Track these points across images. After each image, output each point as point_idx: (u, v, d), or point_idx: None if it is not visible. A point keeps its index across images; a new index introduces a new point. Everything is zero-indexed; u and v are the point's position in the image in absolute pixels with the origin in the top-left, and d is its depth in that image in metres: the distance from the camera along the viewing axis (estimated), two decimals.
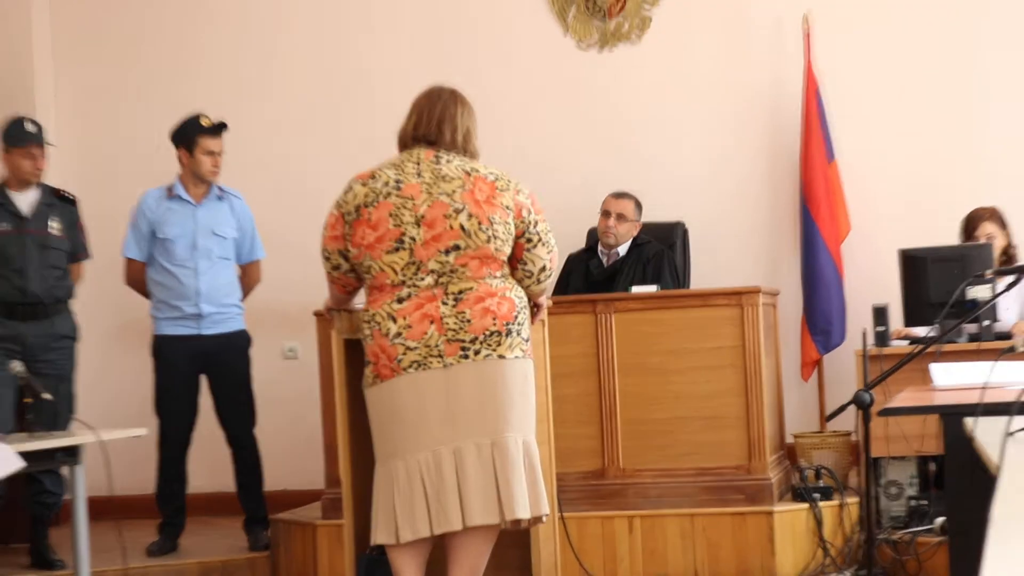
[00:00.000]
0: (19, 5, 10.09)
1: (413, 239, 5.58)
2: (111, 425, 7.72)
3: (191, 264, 8.13)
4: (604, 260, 8.71)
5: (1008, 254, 8.21)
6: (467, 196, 5.61)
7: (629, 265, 8.62)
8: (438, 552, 5.83)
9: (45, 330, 7.92)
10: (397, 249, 5.60)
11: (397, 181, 5.66)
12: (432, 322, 5.56)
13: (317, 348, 7.90)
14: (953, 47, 9.17)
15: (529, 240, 5.74)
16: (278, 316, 8.91)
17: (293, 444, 8.71)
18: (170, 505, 8.27)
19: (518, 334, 5.68)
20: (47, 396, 7.34)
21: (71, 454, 7.33)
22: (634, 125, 9.48)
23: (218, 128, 8.18)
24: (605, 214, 8.73)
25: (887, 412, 6.15)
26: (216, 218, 8.24)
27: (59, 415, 7.70)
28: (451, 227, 5.57)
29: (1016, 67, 9.11)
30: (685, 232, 9.05)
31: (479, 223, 5.58)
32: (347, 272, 5.84)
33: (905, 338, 8.02)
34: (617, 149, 9.37)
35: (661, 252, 8.73)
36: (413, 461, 5.61)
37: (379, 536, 5.69)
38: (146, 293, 8.32)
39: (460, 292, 5.60)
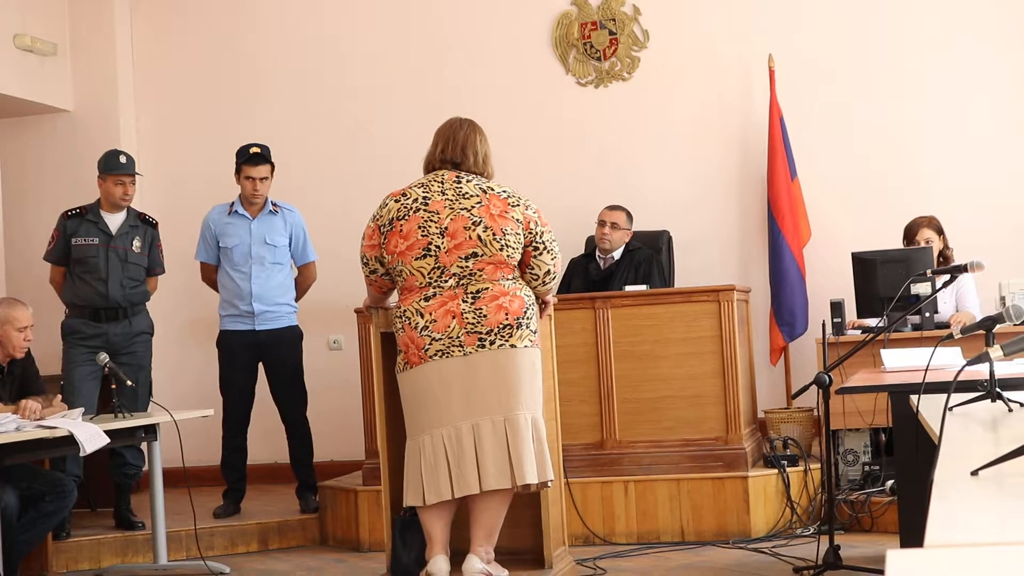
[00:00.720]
0: (106, 53, 10.07)
1: (438, 247, 5.63)
2: (183, 407, 7.76)
3: (245, 269, 8.17)
4: (601, 263, 8.68)
5: (944, 255, 8.20)
6: (484, 211, 5.66)
7: (622, 267, 8.59)
8: (462, 513, 5.82)
9: (125, 329, 7.96)
10: (424, 256, 5.65)
11: (424, 198, 5.71)
12: (454, 317, 5.62)
13: (358, 340, 7.88)
14: (894, 82, 9.14)
15: (536, 248, 5.77)
16: (325, 313, 8.89)
17: (338, 422, 8.69)
18: (233, 474, 8.29)
19: (527, 327, 5.71)
20: (129, 383, 7.40)
21: (149, 432, 7.42)
22: (626, 149, 9.45)
23: (255, 158, 8.17)
24: (601, 224, 8.70)
25: (844, 391, 6.14)
26: (269, 229, 8.24)
27: (139, 399, 7.73)
28: (470, 237, 5.62)
29: (945, 100, 9.06)
30: (670, 239, 9.01)
31: (494, 234, 5.63)
32: (382, 275, 5.89)
33: (858, 328, 8.00)
34: (611, 169, 9.36)
35: (650, 256, 8.70)
36: (438, 435, 5.65)
37: (409, 499, 5.74)
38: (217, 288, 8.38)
39: (477, 292, 5.64)
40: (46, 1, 9.87)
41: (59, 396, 7.16)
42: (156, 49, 10.23)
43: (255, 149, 8.22)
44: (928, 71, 9.11)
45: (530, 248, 5.76)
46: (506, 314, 5.63)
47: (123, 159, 7.99)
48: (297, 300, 8.43)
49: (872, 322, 7.80)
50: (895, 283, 7.71)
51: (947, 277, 7.34)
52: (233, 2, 10.08)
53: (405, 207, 5.71)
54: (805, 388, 6.72)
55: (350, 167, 9.47)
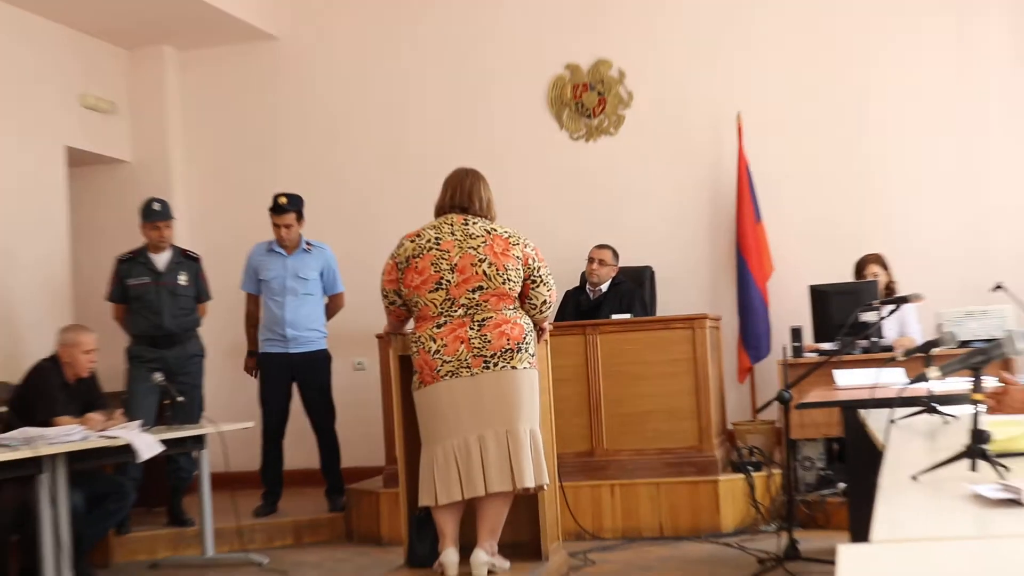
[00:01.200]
0: (158, 111, 10.11)
1: (448, 282, 5.67)
2: (228, 419, 7.74)
3: (280, 299, 8.17)
4: (591, 295, 8.67)
5: (890, 288, 8.19)
6: (488, 250, 5.69)
7: (609, 299, 8.58)
8: (469, 512, 5.83)
9: (179, 352, 7.98)
10: (437, 289, 5.69)
11: (437, 238, 5.74)
12: (462, 342, 5.65)
13: (379, 362, 7.85)
14: (849, 137, 9.14)
15: (534, 282, 5.82)
16: (351, 338, 8.86)
17: (361, 432, 8.65)
18: (271, 478, 8.27)
19: (526, 351, 5.75)
20: (180, 399, 7.45)
21: (198, 441, 7.44)
22: (613, 195, 9.46)
23: (279, 208, 8.20)
24: (590, 260, 8.70)
25: (802, 406, 6.14)
26: (301, 265, 8.23)
27: (192, 412, 7.75)
28: (476, 272, 5.66)
29: (892, 153, 9.08)
30: (652, 273, 9.01)
31: (497, 270, 5.68)
32: (400, 306, 5.92)
33: (814, 351, 7.98)
34: (600, 213, 9.35)
35: (633, 289, 8.71)
36: (449, 445, 5.68)
37: (424, 499, 5.76)
38: (255, 319, 8.38)
39: (483, 320, 5.67)
40: (107, 64, 9.91)
41: (121, 410, 7.16)
42: (202, 106, 10.25)
43: (282, 200, 8.23)
44: (878, 128, 9.12)
45: (528, 281, 5.80)
46: (508, 339, 5.67)
47: (156, 206, 8.03)
48: (328, 321, 8.43)
49: (827, 346, 7.79)
50: (846, 312, 7.75)
51: (892, 307, 7.39)
52: (266, 68, 10.10)
53: (420, 246, 5.75)
54: (768, 403, 6.74)
55: (373, 211, 9.47)
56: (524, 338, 5.73)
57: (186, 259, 8.16)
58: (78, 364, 7.15)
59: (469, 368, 5.64)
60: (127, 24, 9.52)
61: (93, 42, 9.75)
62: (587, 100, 9.67)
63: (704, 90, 9.41)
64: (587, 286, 8.72)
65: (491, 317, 5.67)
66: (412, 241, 5.80)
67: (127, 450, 6.53)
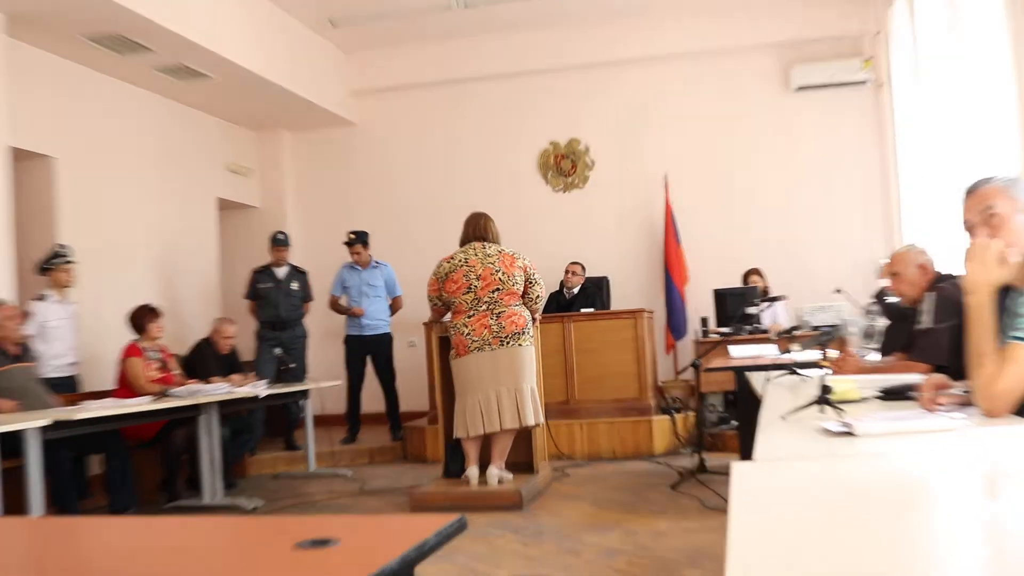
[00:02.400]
0: (278, 172, 10.15)
1: (475, 287, 5.73)
2: (324, 378, 7.73)
3: (358, 299, 8.19)
4: (567, 295, 8.64)
5: (765, 291, 8.19)
6: (501, 263, 5.77)
7: (579, 298, 8.56)
8: (484, 445, 5.83)
9: (291, 334, 8.03)
10: (468, 292, 5.75)
11: (464, 259, 5.81)
12: (485, 328, 5.71)
13: (424, 341, 7.82)
14: (736, 186, 9.16)
15: (531, 283, 5.88)
16: (406, 324, 8.84)
17: (413, 388, 8.64)
18: (352, 418, 8.24)
19: (527, 333, 5.81)
20: (292, 365, 7.48)
21: (303, 393, 7.43)
22: (582, 229, 9.46)
23: (351, 242, 8.24)
24: (567, 272, 8.68)
25: (708, 370, 6.13)
26: (371, 277, 8.25)
27: (299, 374, 7.77)
28: (494, 279, 5.74)
29: (767, 197, 9.09)
30: (608, 281, 9.01)
31: (507, 276, 5.75)
32: (440, 305, 5.97)
33: (716, 333, 7.98)
34: (573, 240, 9.31)
35: (596, 291, 8.68)
36: (474, 398, 5.72)
37: (458, 433, 5.81)
38: (337, 310, 8.37)
39: (500, 312, 5.72)
40: (244, 142, 9.93)
41: (252, 373, 7.19)
42: (307, 169, 10.25)
43: (351, 235, 8.28)
44: (757, 181, 9.14)
45: (527, 283, 5.85)
46: (515, 326, 5.72)
47: (280, 236, 8.12)
48: (391, 316, 8.42)
49: (724, 330, 7.82)
50: (737, 308, 7.81)
51: (767, 303, 7.39)
52: (349, 144, 10.08)
53: (453, 265, 5.81)
54: (685, 368, 6.77)
55: (420, 241, 9.41)
56: (526, 325, 5.80)
57: (297, 272, 8.19)
58: (221, 344, 7.22)
59: (490, 345, 5.69)
60: (257, 115, 9.53)
61: (235, 128, 9.77)
62: (564, 165, 9.65)
63: (642, 158, 9.40)
64: (564, 289, 8.70)
65: (504, 311, 5.71)
66: (448, 262, 5.85)
67: (256, 400, 6.58)
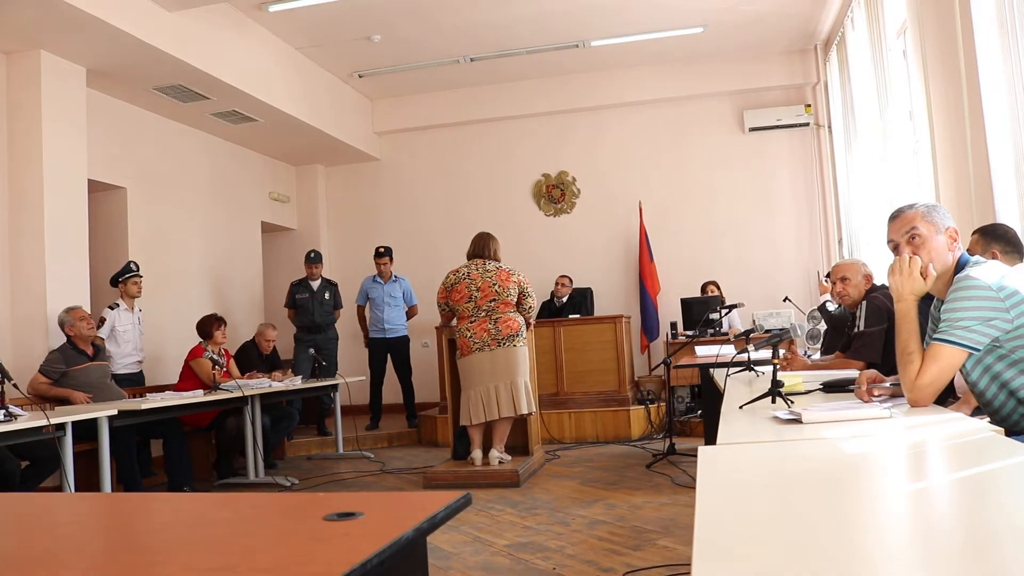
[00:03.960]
0: (313, 199, 10.12)
1: (475, 296, 5.68)
2: (351, 375, 7.69)
3: (381, 308, 8.11)
4: (557, 303, 8.64)
5: (722, 299, 8.18)
6: (497, 277, 5.70)
7: (568, 305, 8.55)
8: (486, 431, 5.80)
9: (324, 337, 7.94)
10: (468, 301, 5.69)
11: (467, 272, 5.76)
12: (485, 331, 5.66)
13: (436, 342, 7.80)
14: (697, 210, 9.16)
15: (524, 295, 5.80)
16: (421, 328, 8.86)
17: (426, 382, 8.64)
18: (375, 408, 8.19)
19: (521, 336, 5.73)
20: (324, 363, 7.39)
21: (334, 387, 7.35)
22: (569, 248, 9.44)
23: (380, 254, 8.18)
24: (557, 283, 8.68)
25: (677, 367, 6.12)
26: (392, 289, 8.17)
27: (331, 371, 7.67)
28: (492, 291, 5.67)
29: (722, 219, 9.09)
30: (592, 291, 8.99)
31: (504, 288, 5.68)
32: (447, 310, 5.89)
33: (684, 335, 7.97)
34: (562, 258, 9.32)
35: (581, 299, 8.68)
36: (477, 391, 5.67)
37: (463, 421, 5.76)
38: (364, 319, 8.29)
39: (497, 318, 5.66)
40: (284, 175, 9.91)
41: (290, 370, 7.17)
42: (338, 198, 10.22)
43: (381, 249, 8.22)
44: (715, 205, 9.15)
45: (521, 295, 5.77)
46: (510, 329, 5.65)
47: (312, 255, 8.03)
48: (407, 322, 8.37)
49: (690, 333, 7.80)
50: (701, 314, 7.78)
51: (726, 310, 7.37)
52: (374, 175, 10.08)
53: (458, 277, 5.76)
54: (658, 365, 6.74)
55: (432, 258, 9.40)
56: (519, 330, 5.71)
57: (329, 284, 8.11)
58: (263, 345, 7.19)
59: (489, 346, 5.63)
60: (296, 152, 9.52)
61: (277, 162, 9.76)
62: (554, 193, 9.63)
63: (620, 187, 9.40)
64: (554, 298, 8.69)
65: (501, 317, 5.66)
66: (454, 275, 5.80)
67: (294, 393, 6.53)
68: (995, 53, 4.21)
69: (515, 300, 5.76)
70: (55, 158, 6.09)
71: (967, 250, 3.28)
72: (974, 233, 3.36)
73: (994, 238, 3.22)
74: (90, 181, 6.56)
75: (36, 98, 6.02)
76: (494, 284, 5.68)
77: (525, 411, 5.69)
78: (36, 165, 6.01)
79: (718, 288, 8.48)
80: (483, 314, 5.68)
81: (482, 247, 5.87)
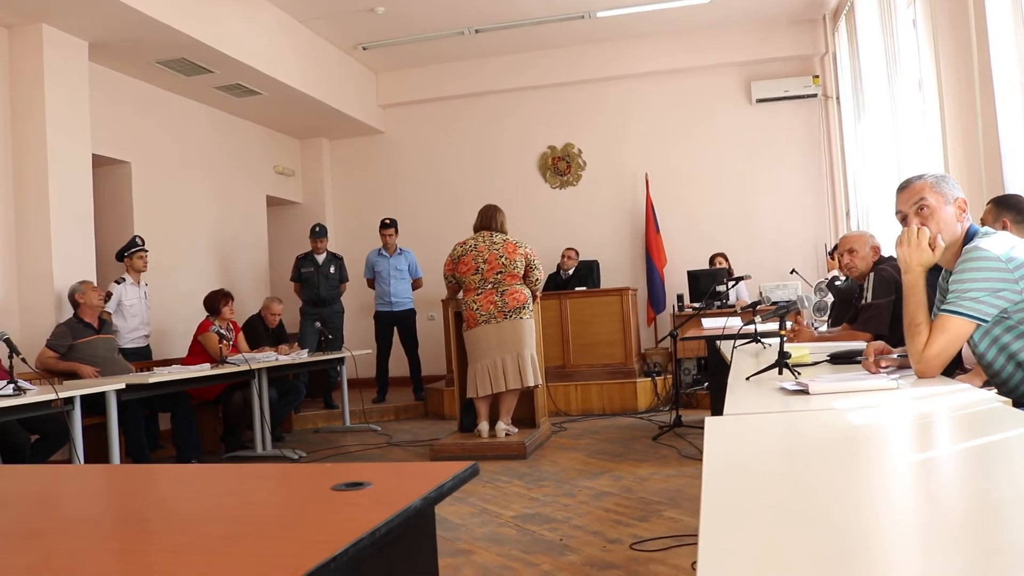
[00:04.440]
0: (318, 173, 10.09)
1: (482, 269, 5.66)
2: (357, 347, 7.70)
3: (387, 280, 8.09)
4: (563, 276, 8.63)
5: (730, 272, 8.17)
6: (504, 250, 5.68)
7: (574, 278, 8.54)
8: (493, 403, 5.82)
9: (330, 310, 7.93)
10: (476, 273, 5.67)
11: (474, 244, 5.73)
12: (492, 304, 5.64)
13: (442, 315, 7.79)
14: (708, 184, 9.13)
15: (531, 267, 5.78)
16: (427, 301, 8.86)
17: (433, 355, 8.67)
18: (382, 381, 8.19)
19: (527, 308, 5.72)
20: (330, 337, 7.38)
21: (341, 360, 7.36)
22: (575, 220, 9.41)
23: (386, 225, 8.16)
24: (563, 256, 8.67)
25: (684, 339, 6.12)
26: (398, 261, 8.15)
27: (337, 344, 7.65)
28: (499, 263, 5.65)
29: (730, 193, 9.06)
30: (598, 264, 8.95)
31: (510, 260, 5.66)
32: (454, 283, 5.87)
33: (691, 308, 7.96)
34: (569, 230, 9.30)
35: (588, 272, 8.65)
36: (484, 363, 5.67)
37: (469, 393, 5.77)
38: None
39: (504, 290, 5.65)
40: (289, 148, 9.87)
41: (296, 344, 7.19)
42: (342, 171, 10.19)
43: (387, 220, 8.19)
44: (726, 176, 9.10)
45: (528, 267, 5.75)
46: (517, 302, 5.65)
47: (318, 228, 7.99)
48: (412, 294, 8.34)
49: (697, 305, 7.78)
50: (708, 286, 7.77)
51: (733, 282, 7.36)
52: (378, 149, 10.03)
53: (465, 249, 5.73)
54: (664, 337, 6.74)
55: (437, 230, 9.37)
56: (526, 302, 5.71)
57: (334, 258, 8.09)
58: (269, 319, 7.20)
59: (496, 318, 5.62)
60: (300, 126, 9.48)
61: (281, 136, 9.72)
62: (560, 166, 9.59)
63: (626, 159, 9.36)
64: (561, 271, 8.68)
65: (507, 289, 5.65)
66: (461, 247, 5.77)
67: (300, 365, 6.55)
68: (1006, 21, 4.16)
69: (522, 272, 5.74)
70: (58, 133, 6.08)
71: (980, 220, 3.26)
72: (988, 203, 3.34)
73: (1006, 208, 3.20)
74: (94, 156, 6.54)
75: (38, 72, 5.99)
76: (501, 256, 5.66)
77: (532, 383, 5.70)
78: (40, 140, 6.00)
79: (726, 260, 8.47)
80: (490, 286, 5.67)
81: (489, 219, 5.84)
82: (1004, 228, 3.05)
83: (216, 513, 1.19)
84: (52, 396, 4.10)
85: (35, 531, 1.13)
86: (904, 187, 2.42)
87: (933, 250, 2.30)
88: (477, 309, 5.67)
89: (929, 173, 2.43)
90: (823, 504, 1.09)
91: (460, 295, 5.96)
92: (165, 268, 7.37)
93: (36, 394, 4.11)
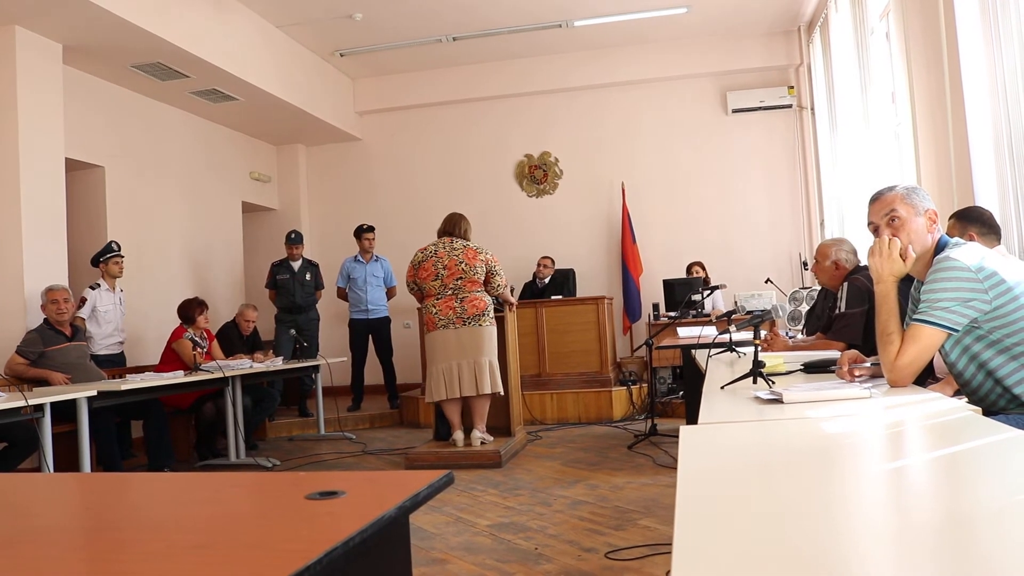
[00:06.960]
0: (301, 179, 10.04)
1: (442, 275, 5.69)
2: (332, 355, 7.68)
3: (363, 288, 8.06)
4: (539, 284, 8.64)
5: (707, 281, 8.21)
6: (464, 256, 5.70)
7: (550, 287, 8.56)
8: (468, 412, 5.80)
9: (305, 318, 7.91)
10: (435, 279, 5.70)
11: (435, 251, 5.77)
12: (451, 310, 5.67)
13: (417, 323, 7.79)
14: (680, 192, 9.17)
15: (491, 274, 5.78)
16: (402, 310, 8.84)
17: (408, 363, 8.66)
18: (356, 389, 8.16)
19: (487, 315, 5.73)
20: (305, 344, 7.35)
21: (315, 368, 7.33)
22: (552, 228, 9.43)
23: (367, 231, 8.13)
24: (539, 264, 8.68)
25: (659, 348, 6.13)
26: (374, 268, 8.14)
27: (312, 351, 7.64)
28: (458, 269, 5.67)
29: (708, 202, 9.10)
30: (574, 272, 8.98)
31: (470, 267, 5.68)
32: (416, 290, 5.87)
33: (666, 317, 7.99)
34: (545, 238, 9.32)
35: (564, 280, 8.68)
36: (438, 367, 5.69)
37: (428, 399, 5.80)
38: (347, 299, 8.23)
39: (463, 297, 5.68)
40: (265, 154, 9.83)
41: (271, 351, 7.14)
42: (319, 178, 10.16)
43: (366, 225, 8.18)
44: (703, 188, 9.17)
45: (488, 274, 5.76)
46: (476, 309, 5.66)
47: (293, 235, 7.97)
48: (388, 302, 8.33)
49: (672, 314, 7.83)
50: (683, 295, 7.81)
51: (708, 291, 7.39)
52: (355, 156, 10.02)
53: (425, 255, 5.77)
54: (640, 346, 6.75)
55: (411, 238, 9.31)
56: (486, 309, 5.71)
57: (310, 265, 8.07)
58: (244, 326, 7.15)
59: (454, 324, 5.64)
60: (277, 132, 9.45)
61: (258, 142, 9.68)
62: (537, 174, 9.61)
63: (603, 168, 9.40)
64: (537, 279, 8.69)
65: (467, 295, 5.66)
66: (422, 252, 5.80)
67: (274, 373, 6.52)
68: (976, 36, 4.23)
69: (483, 279, 5.74)
70: (31, 136, 6.01)
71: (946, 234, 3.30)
72: (951, 218, 3.38)
73: (970, 221, 3.25)
74: (67, 160, 6.48)
75: (11, 75, 5.93)
76: (461, 262, 5.67)
77: (489, 391, 5.66)
78: (11, 143, 5.93)
79: (703, 269, 8.52)
80: (449, 292, 5.67)
81: (452, 225, 5.85)
82: (971, 240, 3.10)
83: (189, 522, 1.17)
84: (22, 403, 4.04)
85: (3, 540, 1.11)
86: (876, 198, 2.44)
87: (904, 261, 2.33)
88: (436, 313, 5.69)
89: (900, 185, 2.46)
90: (797, 512, 1.10)
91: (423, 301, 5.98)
92: (138, 274, 7.30)
93: (5, 401, 4.05)
